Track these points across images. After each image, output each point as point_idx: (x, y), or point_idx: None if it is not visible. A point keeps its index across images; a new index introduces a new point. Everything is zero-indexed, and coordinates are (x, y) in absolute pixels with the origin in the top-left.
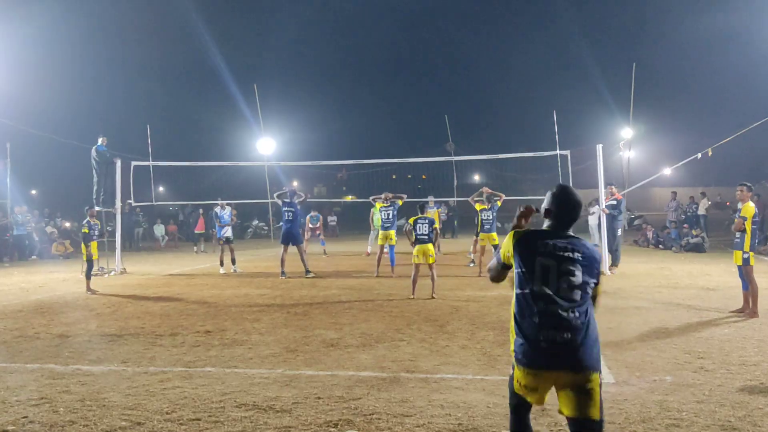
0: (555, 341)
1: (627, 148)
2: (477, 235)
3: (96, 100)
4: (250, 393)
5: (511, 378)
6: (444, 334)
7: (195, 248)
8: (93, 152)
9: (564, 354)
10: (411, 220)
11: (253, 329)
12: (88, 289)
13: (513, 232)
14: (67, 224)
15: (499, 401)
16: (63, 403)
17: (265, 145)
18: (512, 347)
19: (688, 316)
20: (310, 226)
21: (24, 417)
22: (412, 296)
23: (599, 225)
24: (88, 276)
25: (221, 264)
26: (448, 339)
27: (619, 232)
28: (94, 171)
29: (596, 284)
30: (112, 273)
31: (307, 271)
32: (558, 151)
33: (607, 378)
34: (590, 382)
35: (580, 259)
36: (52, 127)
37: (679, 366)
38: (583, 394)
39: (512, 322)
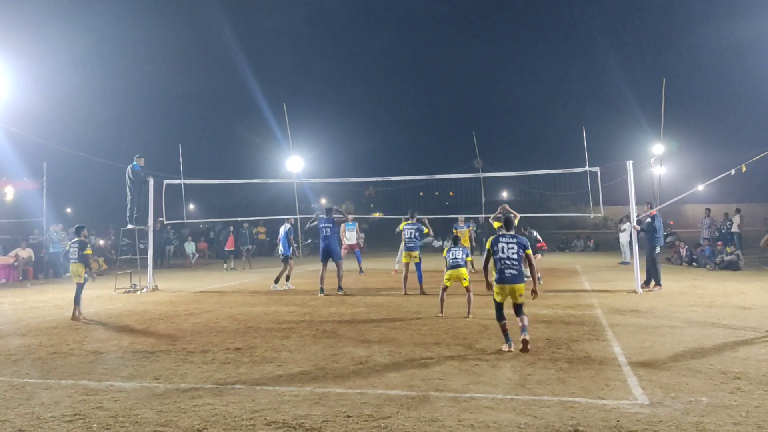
0: (508, 274)
1: (658, 164)
2: None
3: (129, 120)
4: (280, 411)
5: (494, 294)
6: (473, 353)
7: (225, 266)
8: (128, 171)
9: (511, 278)
10: (444, 252)
11: (282, 347)
12: (80, 315)
13: (491, 238)
14: (101, 242)
15: (531, 422)
16: (96, 419)
17: (294, 163)
18: (494, 278)
19: (724, 335)
20: (346, 237)
21: None
22: (440, 314)
23: (630, 242)
24: (78, 300)
25: (287, 280)
26: (477, 357)
27: (657, 249)
28: (128, 189)
29: (524, 251)
30: (144, 290)
31: (340, 288)
32: (587, 168)
33: (641, 399)
34: (520, 289)
35: (515, 242)
36: (86, 146)
37: (715, 387)
38: (517, 293)
39: (493, 270)
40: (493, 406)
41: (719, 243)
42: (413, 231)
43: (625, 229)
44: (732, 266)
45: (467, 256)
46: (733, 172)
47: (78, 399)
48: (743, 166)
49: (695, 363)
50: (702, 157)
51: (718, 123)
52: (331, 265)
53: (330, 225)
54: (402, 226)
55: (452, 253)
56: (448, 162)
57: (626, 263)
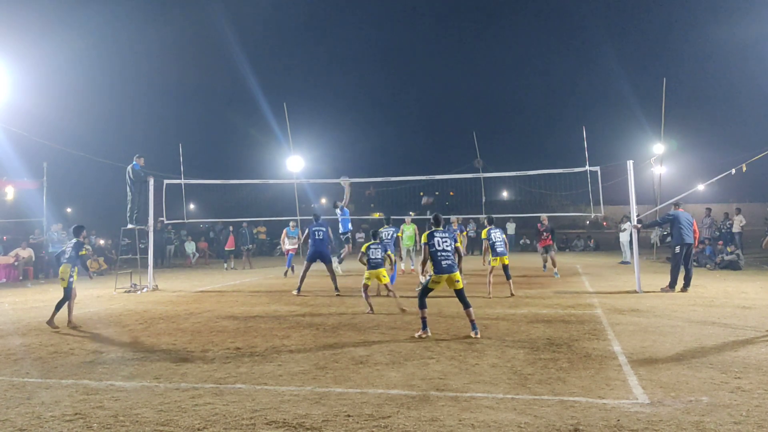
0: (445, 265)
1: (658, 164)
2: (489, 259)
3: (129, 120)
4: (281, 410)
5: (428, 281)
6: (473, 352)
7: (225, 265)
8: (129, 171)
9: (448, 268)
10: (363, 248)
11: (282, 346)
12: (54, 321)
13: (426, 233)
14: (102, 242)
15: (531, 421)
16: (97, 418)
17: (294, 163)
18: (433, 270)
19: (725, 334)
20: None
21: None
22: (370, 311)
23: (630, 241)
24: (60, 307)
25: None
26: (477, 357)
27: (677, 249)
28: (128, 189)
29: (455, 243)
30: (145, 290)
31: (336, 289)
32: (588, 168)
33: (641, 398)
34: (456, 275)
35: (447, 236)
36: (86, 146)
37: (715, 386)
38: (456, 281)
39: (431, 262)
40: (494, 406)
41: (720, 242)
42: (379, 250)
43: (625, 229)
44: (732, 266)
45: (386, 251)
46: (733, 171)
47: (78, 398)
48: (743, 165)
49: (696, 362)
50: (702, 156)
51: (719, 123)
52: (319, 265)
53: (323, 229)
54: (365, 247)
55: (372, 252)
56: (449, 162)
57: (626, 263)
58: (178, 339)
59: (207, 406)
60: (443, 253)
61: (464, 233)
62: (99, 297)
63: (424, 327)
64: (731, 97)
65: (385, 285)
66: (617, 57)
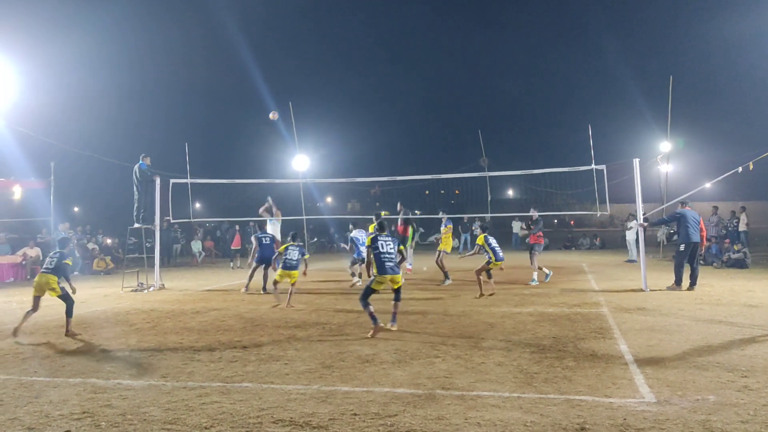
0: (389, 267)
1: (665, 162)
2: (488, 263)
3: (136, 120)
4: (287, 409)
5: (372, 281)
6: (479, 351)
7: (231, 264)
8: (135, 170)
9: (391, 270)
10: (282, 248)
11: (289, 345)
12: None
13: (370, 237)
14: (109, 241)
15: (537, 420)
16: (105, 417)
17: (300, 162)
18: (377, 271)
19: (731, 333)
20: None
21: (67, 431)
22: (279, 304)
23: (636, 240)
24: (71, 313)
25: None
26: (483, 355)
27: (681, 247)
28: (135, 188)
29: (398, 247)
30: (151, 289)
31: (264, 288)
32: (594, 166)
33: (648, 397)
34: (398, 277)
35: (391, 240)
36: (93, 146)
37: (722, 385)
38: (396, 280)
39: (374, 264)
40: (500, 404)
41: (726, 241)
42: (296, 252)
43: (631, 227)
44: (739, 264)
45: (303, 255)
46: (740, 169)
47: (86, 397)
48: (750, 163)
49: (702, 361)
50: (709, 154)
51: (726, 120)
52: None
53: (269, 236)
54: (282, 248)
55: (289, 253)
56: (454, 160)
57: (633, 261)
58: (185, 338)
59: (214, 405)
60: (387, 256)
61: (448, 227)
62: (106, 296)
63: (375, 321)
64: (738, 94)
65: (292, 284)
66: (623, 54)
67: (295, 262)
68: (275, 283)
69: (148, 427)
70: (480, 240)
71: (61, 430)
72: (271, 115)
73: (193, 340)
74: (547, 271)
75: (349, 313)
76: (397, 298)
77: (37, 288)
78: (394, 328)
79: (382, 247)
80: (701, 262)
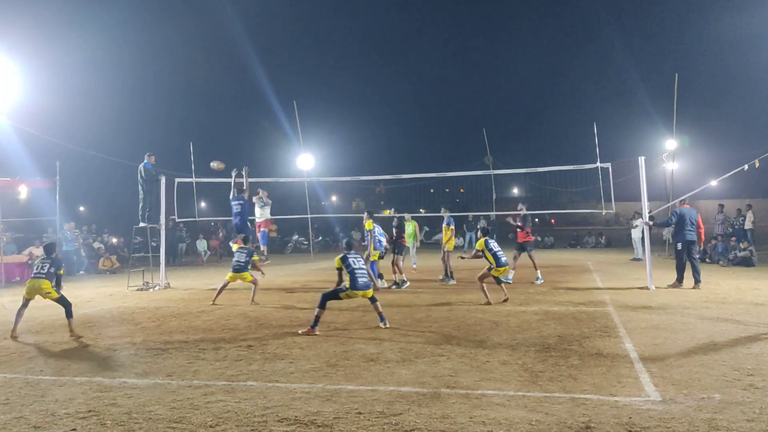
0: (361, 283)
1: (670, 160)
2: (490, 269)
3: (141, 119)
4: (292, 407)
5: (340, 290)
6: (484, 350)
7: None
8: (140, 169)
9: (363, 285)
10: (235, 247)
11: (293, 344)
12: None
13: (340, 257)
14: (114, 240)
15: (542, 418)
16: (110, 416)
17: (305, 161)
18: (349, 285)
19: (737, 331)
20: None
21: (72, 430)
22: (215, 302)
23: (642, 238)
24: (70, 315)
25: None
26: (488, 354)
27: (678, 246)
28: (140, 188)
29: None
30: (157, 288)
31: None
32: (599, 164)
33: (653, 396)
34: (369, 292)
35: (358, 256)
36: (98, 145)
37: (727, 383)
38: (367, 295)
39: (347, 279)
40: (505, 403)
41: (733, 239)
42: (243, 255)
43: (637, 225)
44: (745, 262)
45: (251, 256)
46: (746, 167)
47: (92, 396)
48: (756, 161)
49: (708, 359)
50: (715, 152)
51: (731, 118)
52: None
53: (241, 202)
54: (235, 247)
55: (237, 256)
56: (459, 159)
57: (638, 259)
58: (190, 336)
59: (219, 404)
60: (359, 271)
61: (451, 227)
62: (112, 295)
63: (314, 325)
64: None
65: (251, 281)
66: (629, 52)
67: (243, 264)
68: (226, 283)
69: (153, 426)
70: (480, 245)
71: (67, 429)
72: (214, 165)
73: (198, 339)
74: (512, 272)
75: (354, 312)
76: (373, 301)
77: (29, 292)
78: (386, 326)
79: (354, 263)
80: (707, 260)
